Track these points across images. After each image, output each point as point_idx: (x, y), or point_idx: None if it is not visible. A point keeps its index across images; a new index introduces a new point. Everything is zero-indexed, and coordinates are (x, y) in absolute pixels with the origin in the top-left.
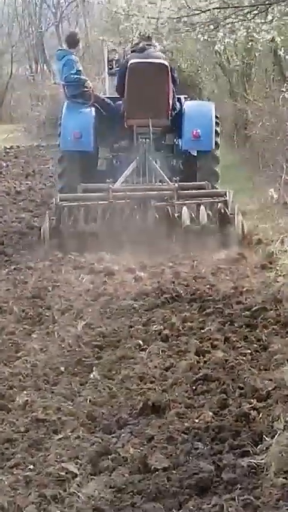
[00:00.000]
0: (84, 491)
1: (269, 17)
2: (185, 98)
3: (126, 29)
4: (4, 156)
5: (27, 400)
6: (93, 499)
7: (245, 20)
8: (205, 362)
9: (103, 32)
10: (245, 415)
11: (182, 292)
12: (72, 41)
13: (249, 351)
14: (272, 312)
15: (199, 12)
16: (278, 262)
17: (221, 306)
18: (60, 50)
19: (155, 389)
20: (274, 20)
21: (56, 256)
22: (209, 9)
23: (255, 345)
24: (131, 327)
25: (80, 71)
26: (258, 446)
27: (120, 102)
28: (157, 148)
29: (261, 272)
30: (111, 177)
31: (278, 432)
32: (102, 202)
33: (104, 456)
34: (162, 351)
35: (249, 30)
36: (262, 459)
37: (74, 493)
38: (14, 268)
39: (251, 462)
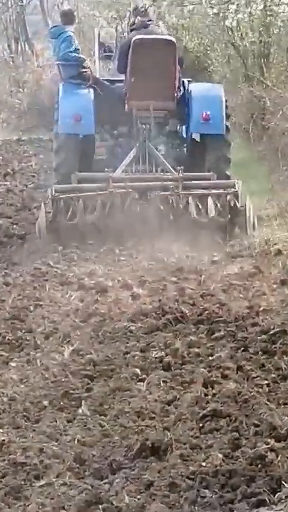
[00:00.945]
0: None
1: None
2: (188, 81)
3: (121, 1)
4: None
5: (3, 440)
6: None
7: None
8: (214, 395)
9: (95, 6)
10: (261, 458)
11: (187, 312)
12: (68, 18)
13: (266, 382)
14: None
15: None
16: None
17: (233, 328)
18: (56, 26)
19: (154, 426)
20: None
21: (39, 270)
22: None
23: (274, 375)
24: (127, 353)
25: (78, 49)
26: (276, 495)
27: (120, 84)
28: (159, 135)
29: (280, 289)
30: (109, 166)
31: None
32: (101, 192)
33: (95, 506)
34: (163, 381)
35: (267, 2)
36: (281, 509)
37: None
38: None
39: None
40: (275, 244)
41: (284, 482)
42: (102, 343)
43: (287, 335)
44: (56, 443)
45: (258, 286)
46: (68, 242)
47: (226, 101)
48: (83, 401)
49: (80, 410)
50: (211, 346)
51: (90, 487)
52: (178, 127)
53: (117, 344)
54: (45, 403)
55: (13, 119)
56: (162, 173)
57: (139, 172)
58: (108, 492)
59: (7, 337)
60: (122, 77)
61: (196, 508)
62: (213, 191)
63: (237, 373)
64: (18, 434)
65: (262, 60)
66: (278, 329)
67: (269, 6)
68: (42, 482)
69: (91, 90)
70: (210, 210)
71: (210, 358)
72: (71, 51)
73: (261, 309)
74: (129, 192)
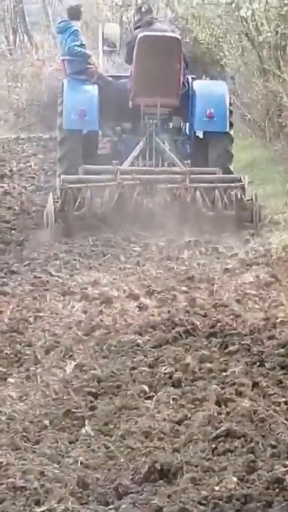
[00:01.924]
0: None
1: None
2: (192, 78)
3: None
4: None
5: (1, 462)
6: None
7: None
8: (228, 413)
9: None
10: (278, 481)
11: (198, 324)
12: (75, 13)
13: (284, 399)
14: None
15: None
16: None
17: (248, 341)
18: (63, 21)
19: (163, 448)
20: None
21: (39, 279)
22: None
23: None
24: (133, 368)
25: (83, 44)
26: None
27: (124, 81)
28: (163, 131)
29: None
30: (113, 161)
31: None
32: (109, 184)
33: None
34: (173, 399)
35: None
36: None
37: None
38: None
39: None
40: None
41: None
42: (107, 358)
43: None
44: (57, 466)
45: (275, 296)
46: (75, 232)
47: (231, 98)
48: (86, 421)
49: (83, 431)
50: (224, 360)
51: None
52: (181, 123)
53: (123, 359)
54: (46, 422)
55: (11, 116)
56: (168, 167)
57: (145, 166)
58: None
59: (5, 351)
60: (126, 73)
61: None
62: (220, 184)
63: (252, 389)
64: (17, 456)
65: (279, 52)
66: None
67: None
68: (42, 508)
69: (95, 86)
70: (217, 203)
71: (224, 373)
72: (76, 45)
73: (279, 320)
74: (137, 184)
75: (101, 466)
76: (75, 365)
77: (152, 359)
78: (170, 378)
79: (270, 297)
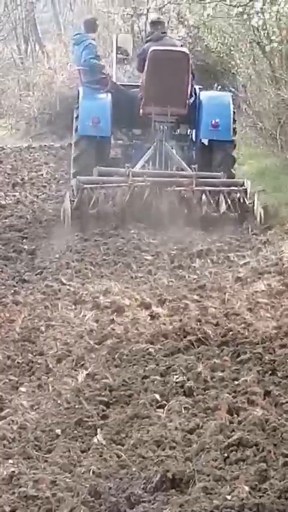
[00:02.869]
0: None
1: None
2: (199, 88)
3: None
4: None
5: (13, 471)
6: None
7: None
8: (240, 422)
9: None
10: None
11: (210, 333)
12: (91, 26)
13: None
14: None
15: None
16: None
17: (260, 350)
18: (79, 34)
19: (175, 457)
20: None
21: (51, 288)
22: None
23: None
24: (145, 377)
25: (98, 56)
26: None
27: (135, 90)
28: (171, 137)
29: None
30: (125, 164)
31: None
32: (122, 185)
33: None
34: (185, 408)
35: None
36: None
37: None
38: None
39: None
40: None
41: None
42: (119, 367)
43: None
44: (69, 475)
45: (287, 304)
46: (90, 229)
47: (235, 109)
48: (98, 430)
49: (95, 440)
50: (236, 369)
51: None
52: (188, 131)
53: (135, 368)
54: (58, 431)
55: (22, 124)
56: (177, 171)
57: (155, 169)
58: None
59: (17, 360)
60: (137, 82)
61: None
62: (225, 188)
63: (264, 398)
64: (28, 466)
65: None
66: None
67: None
68: None
69: (109, 94)
70: (221, 205)
71: (236, 382)
72: (92, 58)
73: None
74: (148, 185)
75: (112, 475)
76: (87, 374)
77: (163, 368)
78: (182, 386)
79: (282, 306)
